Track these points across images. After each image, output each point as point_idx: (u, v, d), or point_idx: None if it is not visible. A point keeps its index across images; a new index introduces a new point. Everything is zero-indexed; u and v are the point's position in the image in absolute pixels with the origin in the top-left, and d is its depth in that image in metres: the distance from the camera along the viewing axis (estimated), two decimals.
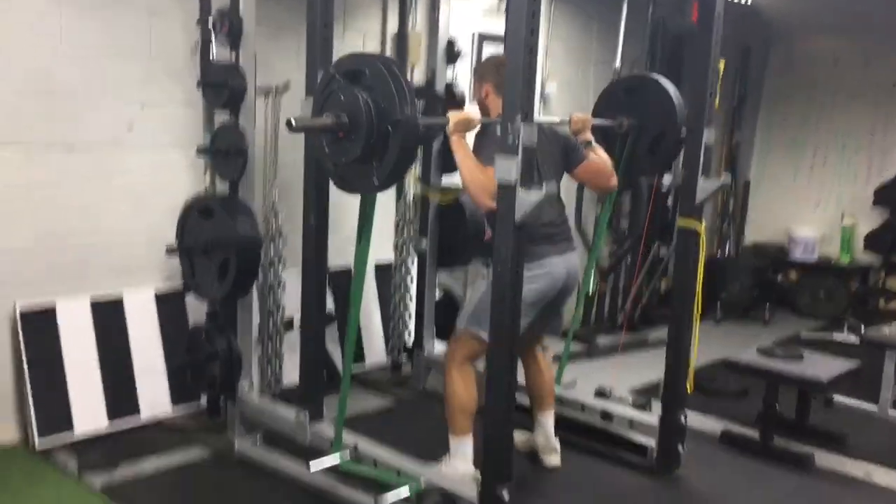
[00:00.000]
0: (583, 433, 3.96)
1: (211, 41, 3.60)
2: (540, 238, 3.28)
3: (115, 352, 3.84)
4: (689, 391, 3.68)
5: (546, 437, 3.72)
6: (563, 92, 5.97)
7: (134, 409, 3.88)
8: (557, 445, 3.72)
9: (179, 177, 3.97)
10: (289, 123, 2.72)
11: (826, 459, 3.92)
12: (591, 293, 6.02)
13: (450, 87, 4.47)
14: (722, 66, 3.48)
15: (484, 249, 3.36)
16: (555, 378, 3.94)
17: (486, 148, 3.12)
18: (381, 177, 2.77)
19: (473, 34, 5.25)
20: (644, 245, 6.23)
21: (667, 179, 5.72)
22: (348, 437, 3.34)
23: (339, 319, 4.44)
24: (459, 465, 3.34)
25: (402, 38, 4.63)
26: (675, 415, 3.65)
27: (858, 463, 3.91)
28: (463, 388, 3.38)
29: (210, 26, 3.57)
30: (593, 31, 6.02)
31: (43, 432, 3.58)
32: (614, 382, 4.43)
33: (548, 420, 3.73)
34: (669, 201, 6.28)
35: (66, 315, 3.72)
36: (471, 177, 3.00)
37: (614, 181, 3.63)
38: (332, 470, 3.27)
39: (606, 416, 3.92)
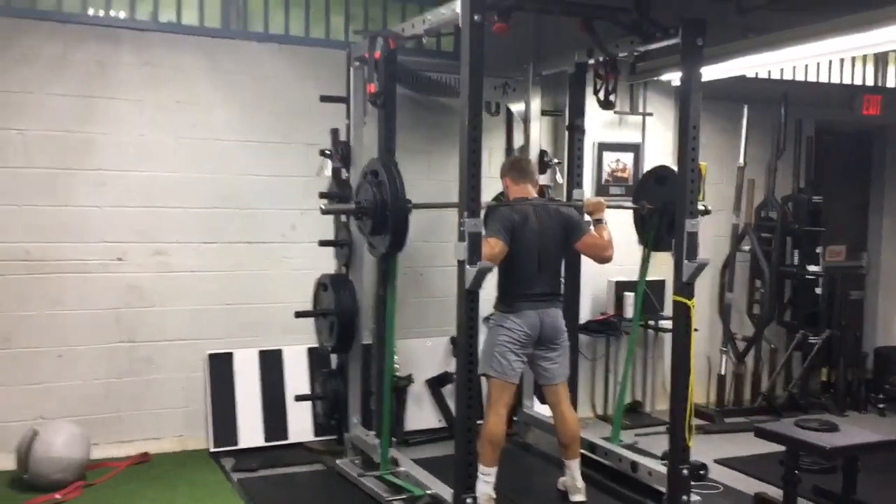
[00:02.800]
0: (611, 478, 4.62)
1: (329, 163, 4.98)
2: (520, 297, 4.20)
3: (274, 390, 5.28)
4: (688, 444, 4.19)
5: (572, 478, 4.44)
6: (709, 189, 6.55)
7: (284, 433, 5.26)
8: (582, 486, 4.41)
9: (326, 262, 5.37)
10: (321, 209, 4.01)
11: None
12: (721, 373, 6.42)
13: (542, 190, 5.42)
14: (703, 168, 4.13)
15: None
16: (578, 427, 4.59)
17: (491, 223, 4.19)
18: (386, 245, 4.06)
19: (594, 143, 6.14)
20: (790, 332, 6.52)
21: (813, 268, 6.17)
22: (403, 459, 4.42)
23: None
24: (482, 487, 4.21)
25: (509, 153, 5.71)
26: (678, 468, 4.18)
27: None
28: (493, 426, 4.26)
29: (327, 153, 4.95)
30: (731, 132, 6.53)
31: (217, 443, 5.09)
32: (705, 455, 4.96)
33: (572, 465, 4.44)
34: (818, 290, 6.50)
35: (240, 360, 5.25)
36: None
37: (607, 254, 4.38)
38: (380, 479, 4.36)
39: (634, 466, 4.54)
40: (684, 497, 4.18)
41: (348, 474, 4.70)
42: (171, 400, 5.18)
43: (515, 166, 4.47)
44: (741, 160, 6.34)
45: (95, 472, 4.70)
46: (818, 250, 6.50)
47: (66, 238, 4.88)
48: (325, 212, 4.24)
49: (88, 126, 4.89)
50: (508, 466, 4.95)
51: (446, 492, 3.91)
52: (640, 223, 4.84)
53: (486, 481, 4.20)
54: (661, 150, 6.25)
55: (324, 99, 4.92)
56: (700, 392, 6.48)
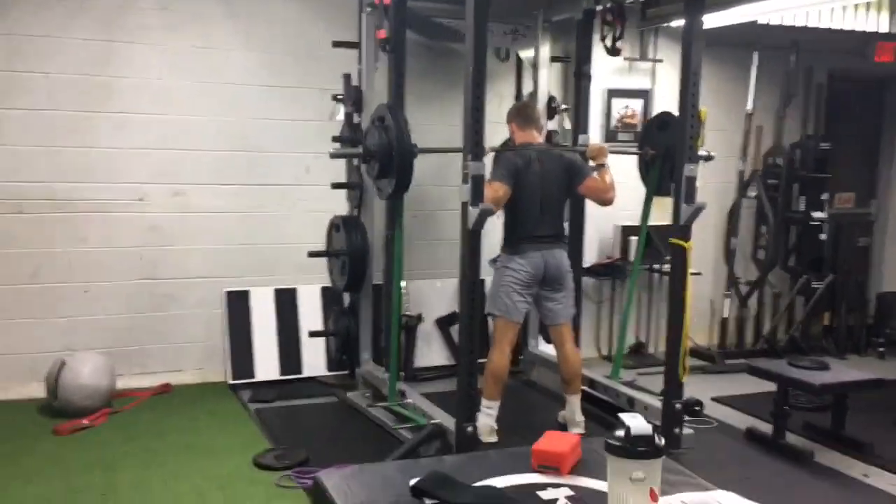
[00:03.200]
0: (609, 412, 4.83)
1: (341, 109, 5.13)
2: (525, 239, 4.37)
3: (289, 327, 5.52)
4: (682, 380, 4.38)
5: (572, 412, 4.64)
6: (714, 136, 6.63)
7: (298, 368, 5.51)
8: (581, 420, 4.62)
9: (340, 204, 5.54)
10: (329, 153, 4.17)
11: (832, 459, 4.34)
12: (724, 317, 6.58)
13: (550, 135, 5.55)
14: (703, 113, 4.24)
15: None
16: (580, 365, 4.79)
17: (495, 167, 4.37)
18: (391, 188, 4.22)
19: (604, 90, 6.23)
20: (793, 277, 6.66)
21: (818, 214, 6.28)
22: (411, 392, 4.65)
23: None
24: (484, 419, 4.44)
25: (518, 99, 5.81)
26: (671, 402, 4.38)
27: (864, 466, 4.27)
28: (497, 362, 4.46)
29: (339, 98, 5.09)
30: (741, 80, 6.58)
31: (234, 376, 5.35)
32: (703, 393, 5.17)
33: (573, 400, 4.64)
34: (823, 235, 6.61)
35: (256, 298, 5.48)
36: None
37: (608, 196, 4.54)
38: (388, 410, 4.59)
39: (631, 401, 4.74)
40: (676, 430, 4.37)
41: (358, 406, 4.94)
42: (192, 334, 5.43)
43: (521, 112, 4.62)
44: (749, 107, 6.41)
45: (120, 401, 4.97)
46: (824, 197, 6.58)
47: (90, 178, 5.08)
48: (333, 155, 4.41)
49: (109, 69, 5.06)
50: (512, 402, 5.18)
51: (449, 421, 4.12)
52: (644, 168, 4.99)
53: (488, 413, 4.41)
54: (670, 97, 6.25)
55: (336, 44, 5.04)
56: (703, 334, 6.66)
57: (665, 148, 4.68)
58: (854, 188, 7.32)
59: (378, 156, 4.27)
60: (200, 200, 5.35)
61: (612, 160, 6.16)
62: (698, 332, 6.66)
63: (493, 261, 4.64)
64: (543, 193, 4.41)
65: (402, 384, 4.76)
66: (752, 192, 6.52)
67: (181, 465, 4.09)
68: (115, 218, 5.16)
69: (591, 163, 4.66)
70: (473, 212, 3.80)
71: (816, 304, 6.64)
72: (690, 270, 6.25)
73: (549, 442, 1.84)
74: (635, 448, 1.46)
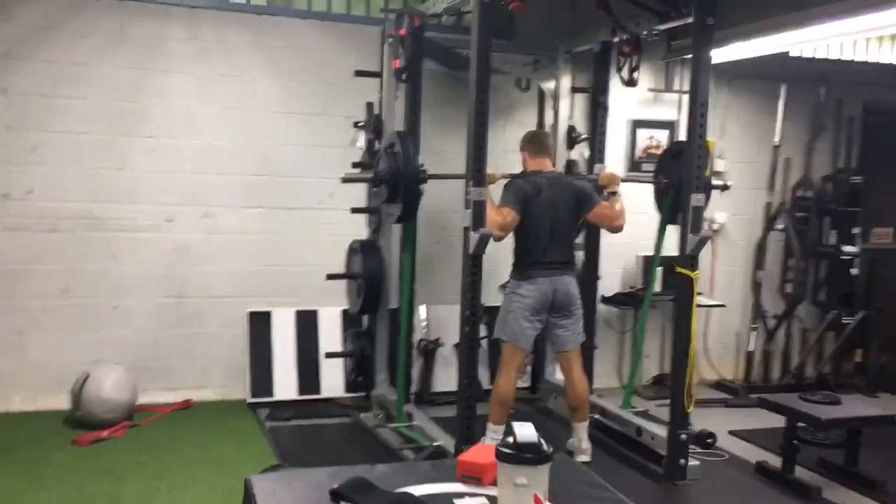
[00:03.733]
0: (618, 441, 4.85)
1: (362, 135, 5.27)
2: (534, 265, 4.41)
3: (308, 348, 5.63)
4: (687, 411, 4.36)
5: (578, 440, 4.65)
6: (742, 168, 6.64)
7: (317, 389, 5.62)
8: (587, 447, 4.62)
9: (361, 228, 5.66)
10: (341, 178, 4.33)
11: (841, 496, 4.27)
12: (749, 350, 6.50)
13: (569, 165, 5.60)
14: (712, 144, 4.27)
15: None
16: (587, 392, 4.79)
17: (505, 194, 4.44)
18: (399, 212, 4.35)
19: (628, 120, 6.27)
20: (823, 311, 6.57)
21: (849, 249, 6.21)
22: (418, 414, 4.72)
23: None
24: (490, 443, 4.48)
25: (541, 128, 5.89)
26: (676, 433, 4.36)
27: None
28: (503, 386, 4.50)
29: (360, 125, 5.23)
30: (771, 112, 6.54)
31: (254, 394, 5.48)
32: (720, 426, 5.18)
33: (580, 428, 4.65)
34: (854, 270, 6.51)
35: (278, 319, 5.62)
36: (488, 213, 4.19)
37: (618, 223, 4.57)
38: (395, 431, 4.67)
39: (639, 431, 4.73)
40: (682, 461, 4.35)
41: (369, 426, 5.02)
42: (215, 352, 5.59)
43: (533, 140, 4.69)
44: (776, 139, 6.37)
45: (142, 415, 5.14)
46: (855, 231, 6.49)
47: (122, 199, 5.31)
48: (345, 180, 4.55)
49: (141, 97, 5.30)
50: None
51: (450, 443, 4.18)
52: (659, 197, 5.00)
53: (493, 438, 4.44)
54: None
55: (358, 73, 5.20)
56: (728, 367, 6.59)
57: (679, 177, 4.70)
58: (893, 223, 7.17)
59: (387, 180, 4.39)
60: (227, 222, 5.53)
61: (634, 189, 6.24)
62: (723, 365, 6.61)
63: (503, 286, 4.69)
64: (553, 220, 4.46)
65: (411, 406, 4.83)
66: (779, 225, 6.46)
67: (189, 478, 4.21)
68: (145, 238, 5.37)
69: (605, 191, 4.70)
70: (474, 237, 3.88)
71: (847, 340, 6.51)
72: (713, 302, 6.29)
73: (475, 453, 1.90)
74: (521, 455, 1.51)
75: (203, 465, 4.38)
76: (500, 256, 4.73)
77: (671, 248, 5.05)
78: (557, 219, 4.49)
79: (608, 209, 4.58)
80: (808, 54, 6.55)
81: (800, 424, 4.39)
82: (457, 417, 4.07)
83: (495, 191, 4.48)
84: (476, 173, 3.90)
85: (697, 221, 4.27)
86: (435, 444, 4.31)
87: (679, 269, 4.35)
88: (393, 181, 4.38)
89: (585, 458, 4.61)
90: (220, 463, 4.44)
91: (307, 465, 4.29)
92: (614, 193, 4.65)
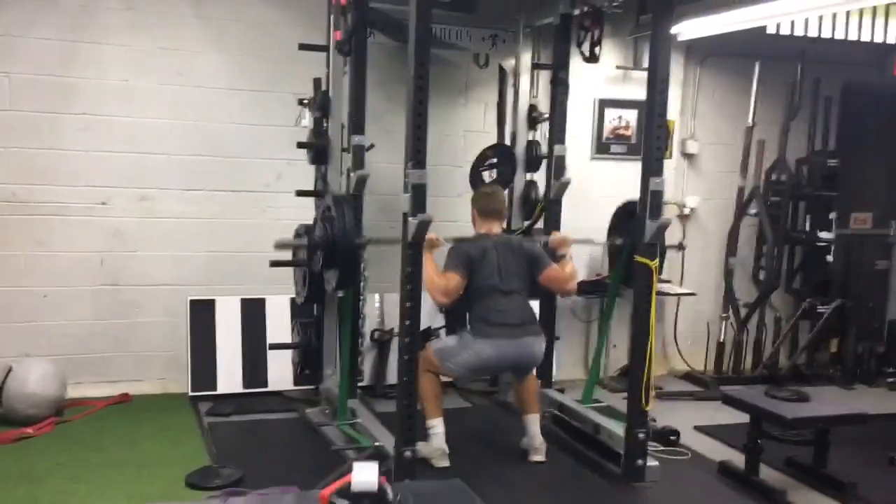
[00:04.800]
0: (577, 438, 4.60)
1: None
2: (494, 325, 4.14)
3: (255, 339, 5.33)
4: (645, 409, 4.09)
5: (530, 437, 4.38)
6: (714, 149, 6.36)
7: (264, 382, 5.32)
8: (541, 445, 4.35)
9: (312, 213, 5.35)
10: (275, 244, 4.17)
11: (809, 499, 4.02)
12: (720, 340, 6.24)
13: (530, 146, 5.30)
14: (672, 125, 3.97)
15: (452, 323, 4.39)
16: (535, 381, 4.51)
17: (449, 258, 4.21)
18: (335, 280, 4.12)
19: (595, 99, 5.96)
20: (798, 300, 6.31)
21: (825, 235, 5.95)
22: (362, 411, 4.44)
23: None
24: (434, 441, 4.20)
25: (500, 107, 5.59)
26: (634, 433, 4.09)
27: None
28: (429, 384, 4.22)
29: (304, 102, 4.91)
30: (747, 92, 6.23)
31: (194, 387, 5.18)
32: (686, 421, 4.97)
33: (531, 423, 4.38)
34: (829, 257, 6.25)
35: (222, 308, 5.31)
36: (428, 279, 4.03)
37: (569, 286, 4.39)
38: (339, 429, 4.39)
39: (596, 428, 4.46)
40: (640, 461, 4.08)
41: (314, 423, 4.73)
42: (155, 344, 5.28)
43: (484, 202, 4.45)
44: (750, 120, 6.08)
45: (75, 410, 4.84)
46: (831, 216, 6.22)
47: (52, 181, 4.98)
48: (277, 246, 4.27)
49: (73, 70, 4.95)
50: (480, 423, 4.95)
51: (392, 444, 3.90)
52: (613, 258, 4.85)
53: (435, 433, 4.19)
54: (668, 109, 6.01)
55: (302, 47, 4.85)
56: (699, 358, 6.33)
57: (633, 236, 4.41)
58: (872, 208, 6.90)
59: (323, 247, 4.12)
60: (166, 206, 5.21)
61: (602, 170, 5.99)
62: (694, 356, 6.35)
63: (454, 330, 4.43)
64: (503, 281, 4.23)
65: (355, 402, 4.55)
66: (752, 210, 6.18)
67: (110, 481, 3.91)
68: (77, 222, 5.04)
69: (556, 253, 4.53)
70: (412, 223, 3.59)
71: (822, 329, 6.26)
72: (683, 290, 6.02)
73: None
74: None
75: (127, 467, 4.08)
76: None
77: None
78: (508, 280, 4.24)
79: (559, 272, 4.36)
80: (785, 31, 6.25)
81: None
82: (397, 417, 3.79)
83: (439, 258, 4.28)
84: (415, 154, 3.59)
85: (656, 207, 3.99)
86: (376, 444, 4.03)
87: (638, 258, 4.07)
88: (329, 247, 4.09)
89: (539, 457, 4.35)
90: (147, 464, 4.14)
91: (242, 467, 4.06)
92: (564, 256, 4.45)
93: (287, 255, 4.91)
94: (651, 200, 3.96)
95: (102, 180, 5.06)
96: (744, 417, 4.27)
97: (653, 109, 3.95)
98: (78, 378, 5.07)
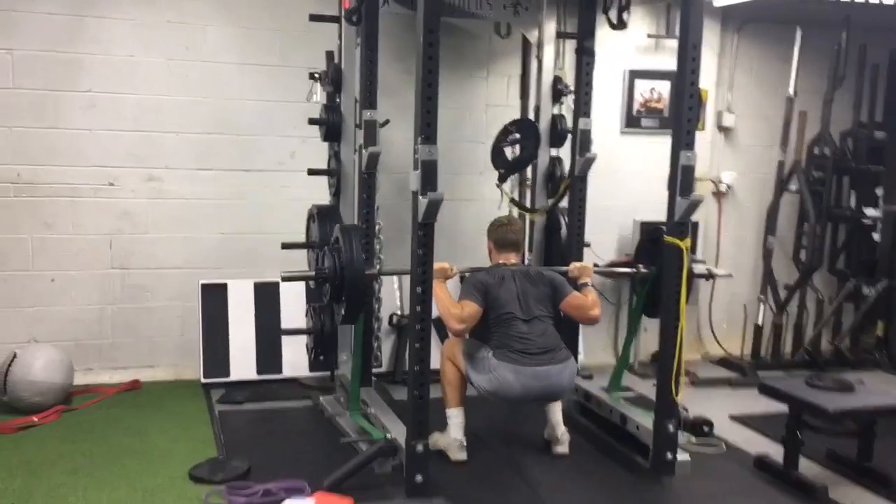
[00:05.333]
0: (604, 428, 4.36)
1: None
2: (518, 352, 3.86)
3: (269, 324, 5.13)
4: (675, 400, 3.82)
5: (552, 427, 4.14)
6: (752, 122, 6.02)
7: (278, 368, 5.14)
8: (563, 436, 4.11)
9: (326, 191, 5.15)
10: (282, 276, 3.97)
11: (851, 495, 3.74)
12: (758, 323, 5.93)
13: (555, 120, 5.01)
14: (704, 94, 3.67)
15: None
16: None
17: (463, 287, 4.00)
18: (342, 312, 3.90)
19: (625, 71, 5.66)
20: (841, 281, 5.97)
21: (871, 212, 5.61)
22: (375, 400, 4.23)
23: None
24: (452, 432, 3.99)
25: (523, 80, 5.31)
26: (663, 424, 3.82)
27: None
28: (451, 370, 4.03)
29: (316, 76, 4.68)
30: (788, 61, 5.87)
31: (207, 374, 5.01)
32: (720, 410, 4.72)
33: (554, 412, 4.14)
34: (876, 235, 5.90)
35: (234, 291, 5.12)
36: (441, 306, 3.84)
37: (592, 314, 4.05)
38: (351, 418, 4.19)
39: (623, 419, 4.20)
40: (669, 454, 3.82)
41: (327, 412, 4.54)
42: (166, 329, 5.12)
43: (501, 234, 4.22)
44: (791, 90, 5.72)
45: (85, 397, 4.70)
46: (878, 192, 5.86)
47: (57, 161, 4.82)
48: (285, 279, 4.07)
49: (77, 46, 4.77)
50: (502, 411, 4.71)
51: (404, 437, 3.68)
52: (636, 286, 4.55)
53: (454, 424, 3.98)
54: (702, 79, 5.65)
55: (313, 18, 4.63)
56: (734, 343, 6.03)
57: (658, 266, 4.13)
58: None
59: (330, 279, 3.89)
60: (176, 186, 5.02)
61: (631, 146, 5.70)
62: (730, 340, 6.05)
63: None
64: (524, 309, 3.97)
65: (367, 391, 4.35)
66: (793, 186, 5.84)
67: (111, 473, 3.74)
68: (84, 203, 4.89)
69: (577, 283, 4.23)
70: (422, 202, 3.34)
71: (868, 312, 5.92)
72: (719, 271, 5.71)
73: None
74: None
75: (131, 459, 3.91)
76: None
77: None
78: (528, 307, 3.98)
79: (582, 299, 4.09)
80: None
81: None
82: (407, 408, 3.56)
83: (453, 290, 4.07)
84: (425, 127, 3.34)
85: (687, 182, 3.68)
86: (388, 436, 3.81)
87: (667, 238, 3.78)
88: (337, 280, 3.85)
89: (562, 449, 4.12)
90: (151, 455, 3.97)
91: (249, 459, 3.87)
92: (585, 285, 4.17)
93: (300, 235, 4.72)
94: (682, 176, 3.66)
95: (109, 160, 4.89)
96: (784, 406, 4.00)
97: (684, 78, 3.65)
98: (88, 364, 4.95)
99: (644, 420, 4.06)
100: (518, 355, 3.88)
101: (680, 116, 3.67)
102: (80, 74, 4.79)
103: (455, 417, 4.00)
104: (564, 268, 4.35)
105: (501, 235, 4.23)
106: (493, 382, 3.87)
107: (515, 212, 5.11)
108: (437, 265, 3.80)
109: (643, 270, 4.36)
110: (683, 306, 3.78)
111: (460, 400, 4.02)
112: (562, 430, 4.13)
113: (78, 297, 4.94)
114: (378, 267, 4.12)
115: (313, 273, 4.04)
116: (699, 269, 5.57)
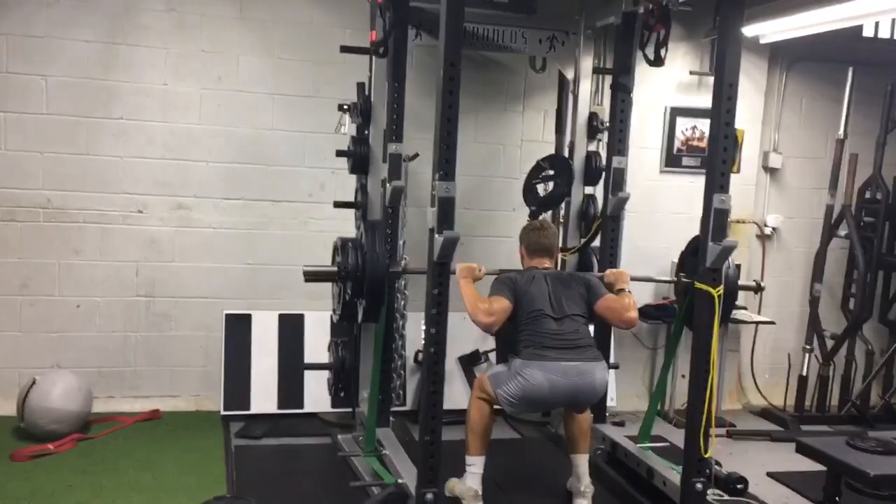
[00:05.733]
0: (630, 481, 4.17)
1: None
2: (546, 348, 3.69)
3: (292, 357, 5.03)
4: (704, 456, 3.61)
5: (577, 478, 3.94)
6: (800, 164, 5.81)
7: (299, 402, 5.04)
8: (587, 489, 3.91)
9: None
10: (304, 272, 3.98)
11: None
12: (803, 374, 5.65)
13: (590, 157, 4.87)
14: (740, 134, 3.49)
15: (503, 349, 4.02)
16: (589, 420, 4.07)
17: (493, 285, 3.85)
18: (363, 310, 3.86)
19: (666, 108, 5.49)
20: (893, 332, 5.67)
21: None
22: (390, 442, 4.10)
23: None
24: (468, 480, 3.82)
25: (559, 115, 5.18)
26: (690, 483, 3.62)
27: None
28: (478, 414, 3.85)
29: (345, 108, 4.61)
30: (839, 100, 5.63)
31: (227, 406, 4.93)
32: (758, 466, 4.52)
33: (579, 463, 3.95)
34: None
35: (258, 323, 5.05)
36: (469, 302, 3.69)
37: (629, 315, 3.80)
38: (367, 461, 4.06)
39: (650, 472, 3.99)
40: None
41: (343, 451, 4.41)
42: (189, 358, 5.07)
43: (534, 238, 4.04)
44: (841, 132, 5.49)
45: (102, 426, 4.65)
46: None
47: (87, 188, 4.82)
48: (307, 276, 4.09)
49: (111, 73, 4.79)
50: (526, 457, 4.55)
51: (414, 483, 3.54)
52: (679, 296, 4.36)
53: (472, 472, 3.80)
54: (747, 118, 5.50)
55: (344, 49, 4.56)
56: (777, 393, 5.76)
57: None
58: None
59: (351, 276, 3.84)
60: (204, 215, 4.99)
61: (671, 184, 5.53)
62: (773, 390, 5.78)
63: (504, 359, 4.00)
64: (556, 307, 3.79)
65: (384, 431, 4.21)
66: (842, 231, 5.58)
67: None
68: (112, 230, 4.87)
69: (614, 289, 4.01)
70: (438, 240, 3.23)
71: None
72: (762, 318, 5.48)
73: None
74: None
75: (139, 494, 3.84)
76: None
77: None
78: (560, 306, 3.80)
79: (618, 300, 3.87)
80: (883, 33, 5.68)
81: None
82: (419, 455, 3.42)
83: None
84: (444, 164, 3.23)
85: (720, 226, 3.52)
86: (399, 481, 3.67)
87: (699, 285, 3.60)
88: (358, 277, 3.80)
89: (585, 502, 3.91)
90: (161, 491, 3.89)
91: (258, 499, 3.76)
92: (622, 290, 3.95)
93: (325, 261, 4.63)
94: (714, 219, 3.49)
95: (139, 187, 4.88)
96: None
97: (719, 117, 3.47)
98: (110, 392, 4.92)
99: (671, 475, 3.86)
100: (546, 351, 3.68)
101: (714, 157, 3.51)
102: (112, 102, 4.80)
103: (474, 466, 3.82)
104: (600, 273, 4.17)
105: (535, 240, 4.04)
106: (520, 385, 3.65)
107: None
108: (464, 264, 3.72)
109: (685, 280, 4.14)
110: (714, 357, 3.60)
111: (482, 448, 3.83)
112: (587, 483, 3.93)
113: (103, 323, 4.91)
114: (403, 264, 3.96)
115: (335, 269, 3.98)
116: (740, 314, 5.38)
